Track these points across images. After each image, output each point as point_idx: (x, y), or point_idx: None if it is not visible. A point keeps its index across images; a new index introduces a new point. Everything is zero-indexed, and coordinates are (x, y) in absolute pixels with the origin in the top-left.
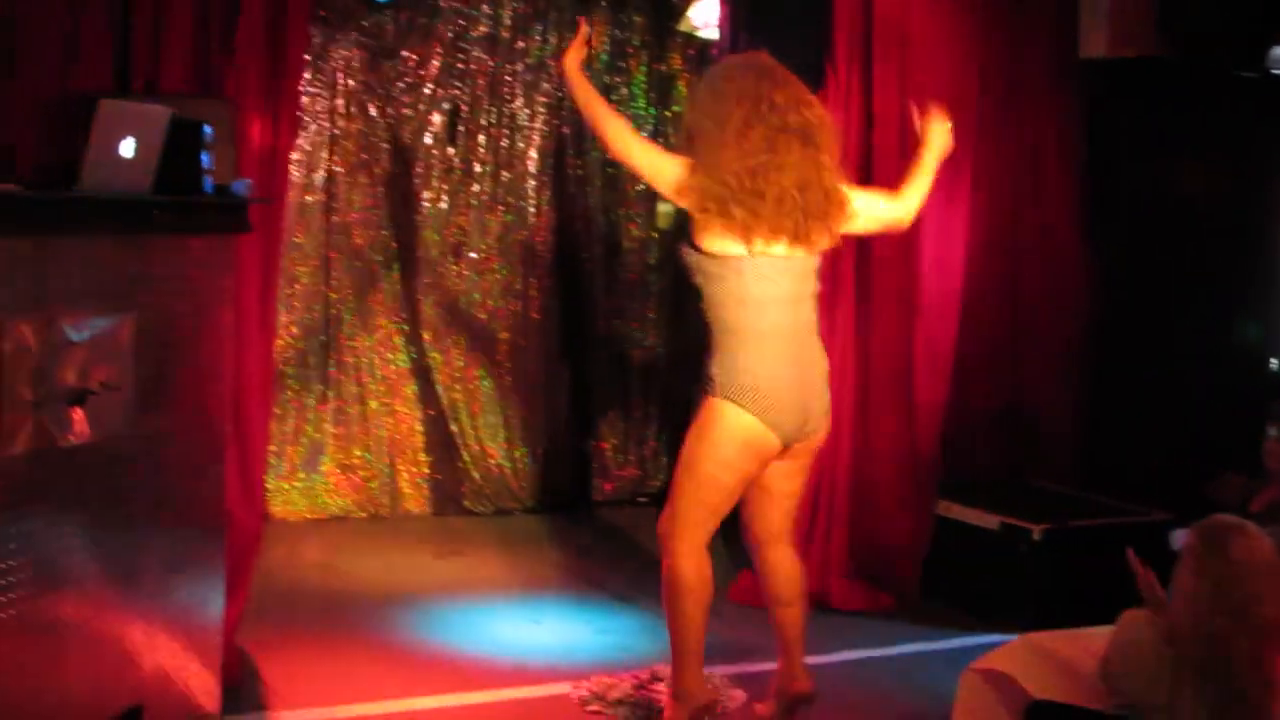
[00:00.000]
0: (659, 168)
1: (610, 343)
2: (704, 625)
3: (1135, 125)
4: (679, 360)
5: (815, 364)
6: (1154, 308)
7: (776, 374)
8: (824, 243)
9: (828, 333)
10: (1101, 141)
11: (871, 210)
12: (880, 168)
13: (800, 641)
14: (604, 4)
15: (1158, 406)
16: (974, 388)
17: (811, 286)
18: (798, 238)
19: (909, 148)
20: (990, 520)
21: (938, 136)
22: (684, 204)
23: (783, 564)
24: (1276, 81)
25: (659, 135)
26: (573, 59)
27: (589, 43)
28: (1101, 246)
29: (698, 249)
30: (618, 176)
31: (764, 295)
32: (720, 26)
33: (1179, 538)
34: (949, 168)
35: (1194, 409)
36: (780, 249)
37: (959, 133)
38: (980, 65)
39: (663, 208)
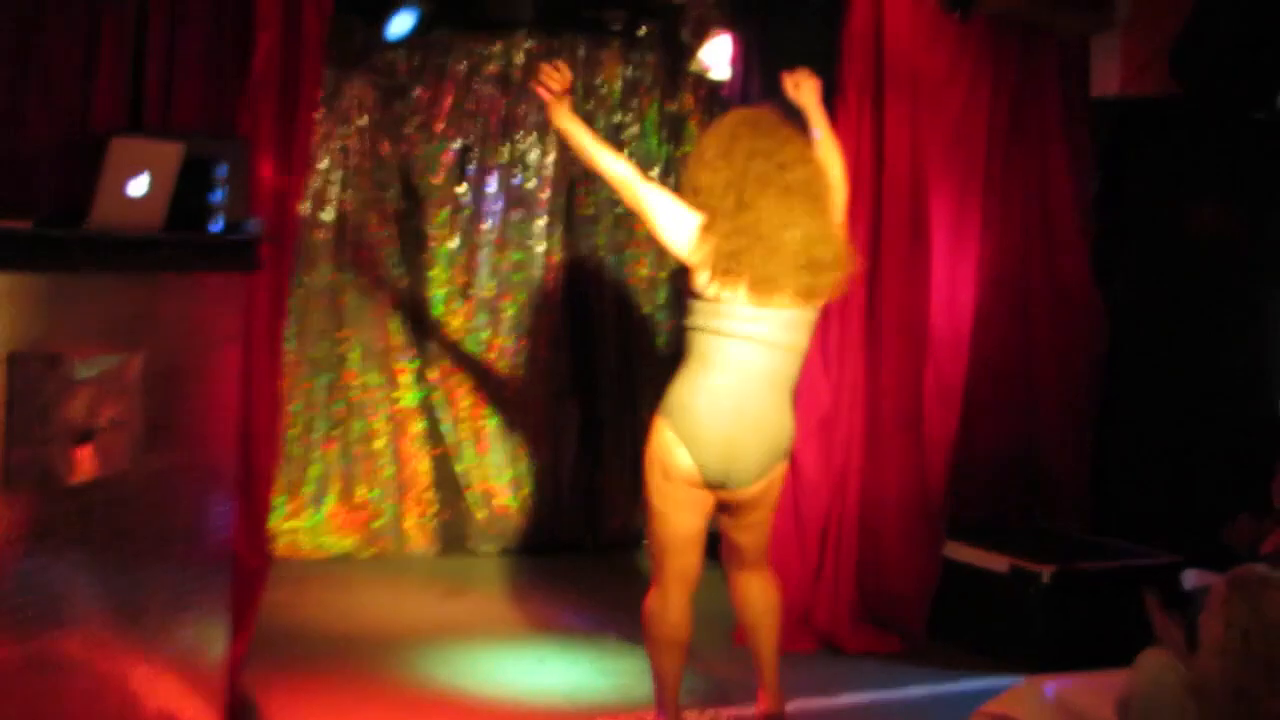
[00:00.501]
0: (670, 222)
1: (619, 382)
2: (676, 666)
3: (1147, 165)
4: None
5: (766, 416)
6: (1165, 349)
7: (716, 405)
8: (828, 296)
9: (837, 370)
10: (1113, 181)
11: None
12: (890, 204)
13: (771, 664)
14: (616, 44)
15: (1168, 448)
16: (983, 428)
17: (799, 338)
18: (807, 295)
19: (920, 184)
20: (999, 562)
21: (806, 94)
22: (693, 260)
23: (751, 589)
24: None
25: (669, 174)
26: (558, 114)
27: (568, 88)
28: (1113, 287)
29: (696, 294)
30: (627, 216)
31: (742, 331)
32: (732, 65)
33: (1190, 579)
34: (958, 206)
35: (1205, 451)
36: (784, 303)
37: (967, 170)
38: (990, 102)
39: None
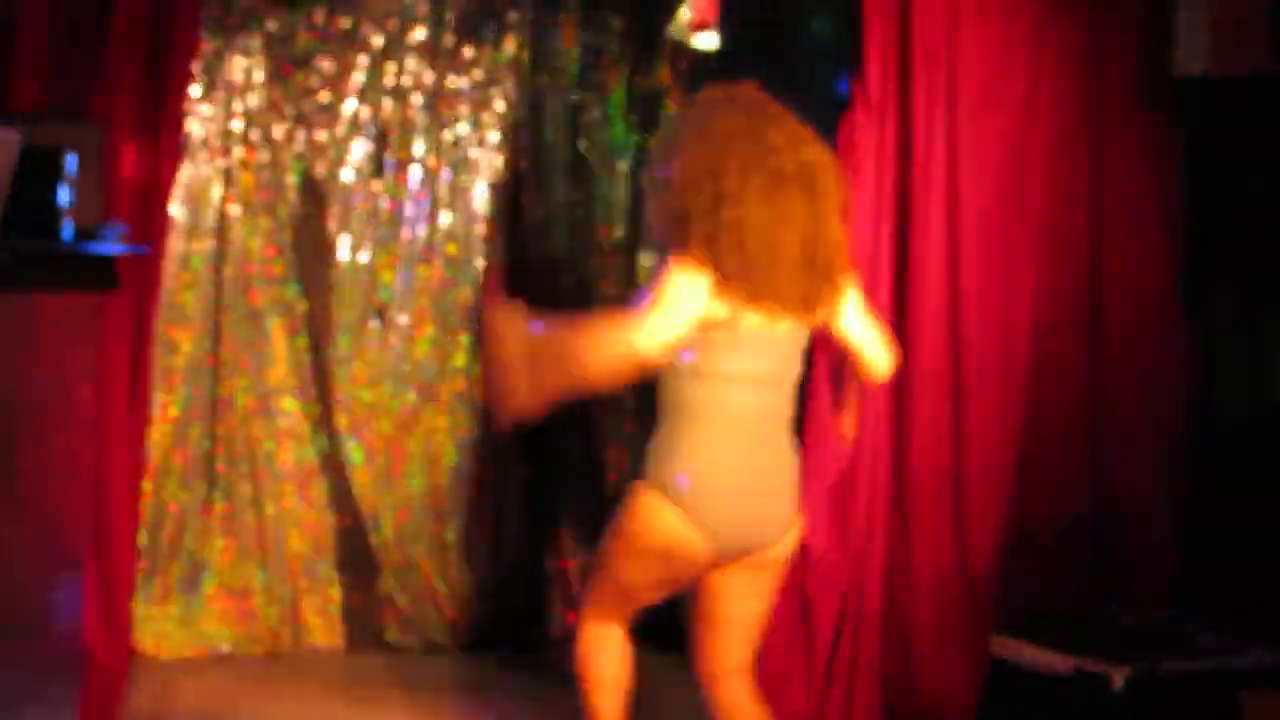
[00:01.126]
0: (689, 306)
1: (577, 435)
2: (619, 712)
3: (1248, 160)
4: None
5: (781, 461)
6: (1274, 390)
7: (725, 466)
8: (826, 311)
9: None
10: (1204, 181)
11: (852, 320)
12: (920, 214)
13: None
14: (573, 4)
15: (1278, 518)
16: (1041, 493)
17: (796, 367)
18: (805, 305)
19: (959, 187)
20: (1061, 662)
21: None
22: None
23: (739, 703)
24: None
25: (640, 165)
26: (511, 351)
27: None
28: (1207, 315)
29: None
30: (588, 222)
31: (735, 371)
32: (720, 31)
33: None
34: (1010, 214)
35: None
36: (781, 319)
37: (1021, 171)
38: (1048, 87)
39: (645, 262)
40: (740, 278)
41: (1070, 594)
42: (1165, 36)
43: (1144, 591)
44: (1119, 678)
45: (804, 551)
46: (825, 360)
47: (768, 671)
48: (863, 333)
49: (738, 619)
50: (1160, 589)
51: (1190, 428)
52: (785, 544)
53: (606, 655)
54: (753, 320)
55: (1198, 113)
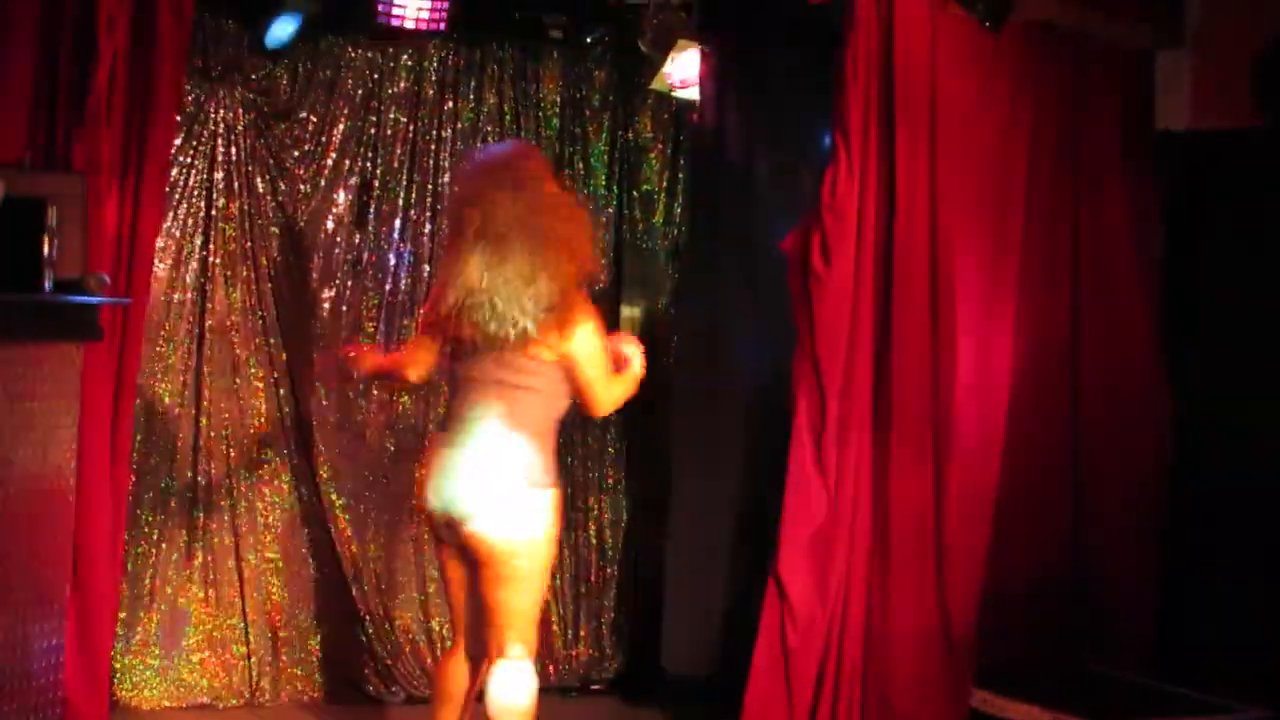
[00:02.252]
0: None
1: (565, 483)
2: None
3: (1227, 213)
4: (646, 508)
5: (497, 446)
6: (1254, 445)
7: (450, 438)
8: (534, 346)
9: (835, 474)
10: (1184, 233)
11: (581, 363)
12: (902, 266)
13: None
14: (557, 56)
15: (1257, 572)
16: (1021, 545)
17: (524, 380)
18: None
19: (940, 240)
20: (1041, 717)
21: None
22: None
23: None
24: None
25: (623, 219)
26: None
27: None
28: (1187, 366)
29: None
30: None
31: (468, 375)
32: (703, 84)
33: None
34: (990, 267)
35: None
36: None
37: (1002, 220)
38: (1030, 138)
39: (627, 313)
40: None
41: (1049, 649)
42: (1149, 90)
43: (1122, 647)
44: None
45: (784, 601)
46: (805, 409)
47: (751, 713)
48: (587, 374)
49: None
50: (1138, 644)
51: (1170, 482)
52: (475, 522)
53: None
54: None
55: (1180, 166)
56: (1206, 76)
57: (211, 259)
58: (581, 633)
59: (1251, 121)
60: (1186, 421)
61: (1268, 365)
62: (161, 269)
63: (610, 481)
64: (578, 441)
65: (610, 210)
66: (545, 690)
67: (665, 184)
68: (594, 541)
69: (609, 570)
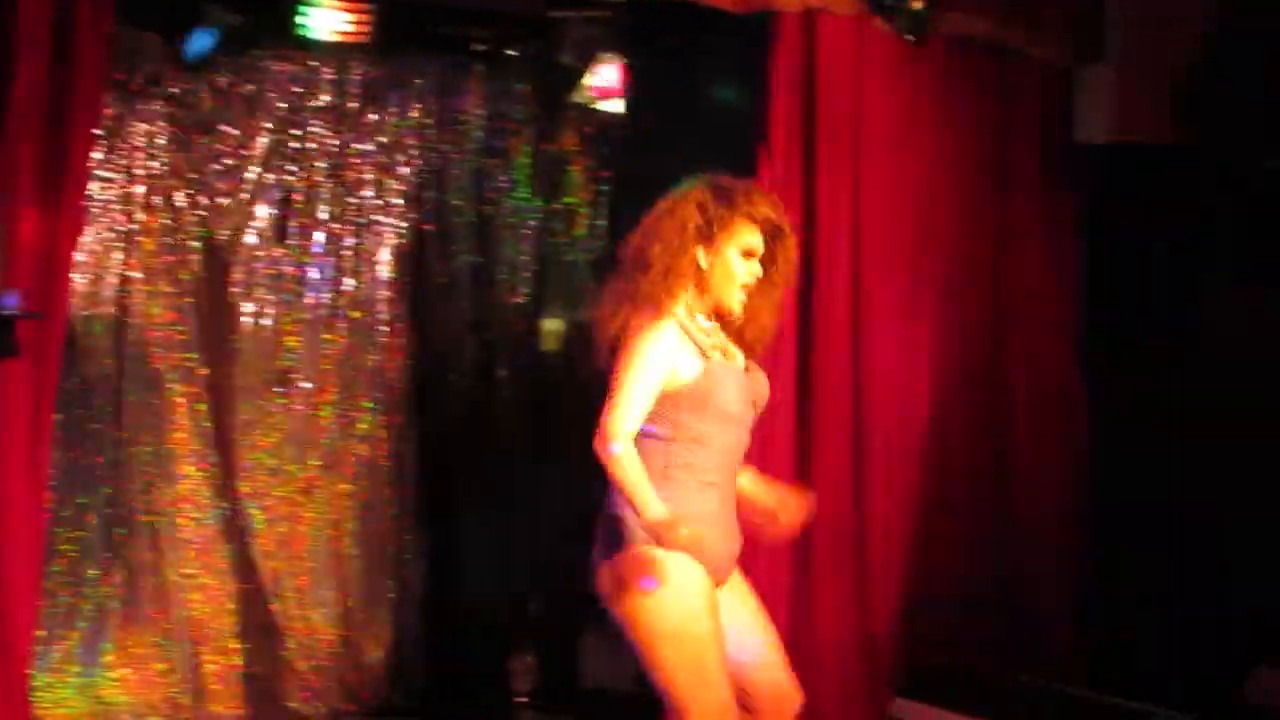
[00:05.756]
0: None
1: (485, 500)
2: None
3: (1145, 229)
4: (579, 520)
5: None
6: (1174, 457)
7: None
8: None
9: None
10: (1105, 247)
11: None
12: (825, 278)
13: None
14: (479, 68)
15: (1178, 582)
16: (944, 555)
17: None
18: None
19: (863, 253)
20: None
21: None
22: None
23: None
24: None
25: (546, 231)
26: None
27: None
28: (1109, 377)
29: None
30: (493, 285)
31: None
32: (626, 98)
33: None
34: (912, 279)
35: (1224, 585)
36: None
37: (925, 233)
38: (953, 150)
39: (549, 326)
40: None
41: (973, 657)
42: (1069, 105)
43: (1047, 655)
44: None
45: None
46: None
47: None
48: None
49: None
50: (1061, 653)
51: (1093, 493)
52: None
53: None
54: None
55: (1100, 180)
56: (1127, 92)
57: (131, 273)
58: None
59: (1171, 137)
60: (1108, 434)
61: (1182, 377)
62: (80, 283)
63: (536, 495)
64: (506, 454)
65: (532, 224)
66: (458, 707)
67: (588, 197)
68: (520, 555)
69: (538, 582)
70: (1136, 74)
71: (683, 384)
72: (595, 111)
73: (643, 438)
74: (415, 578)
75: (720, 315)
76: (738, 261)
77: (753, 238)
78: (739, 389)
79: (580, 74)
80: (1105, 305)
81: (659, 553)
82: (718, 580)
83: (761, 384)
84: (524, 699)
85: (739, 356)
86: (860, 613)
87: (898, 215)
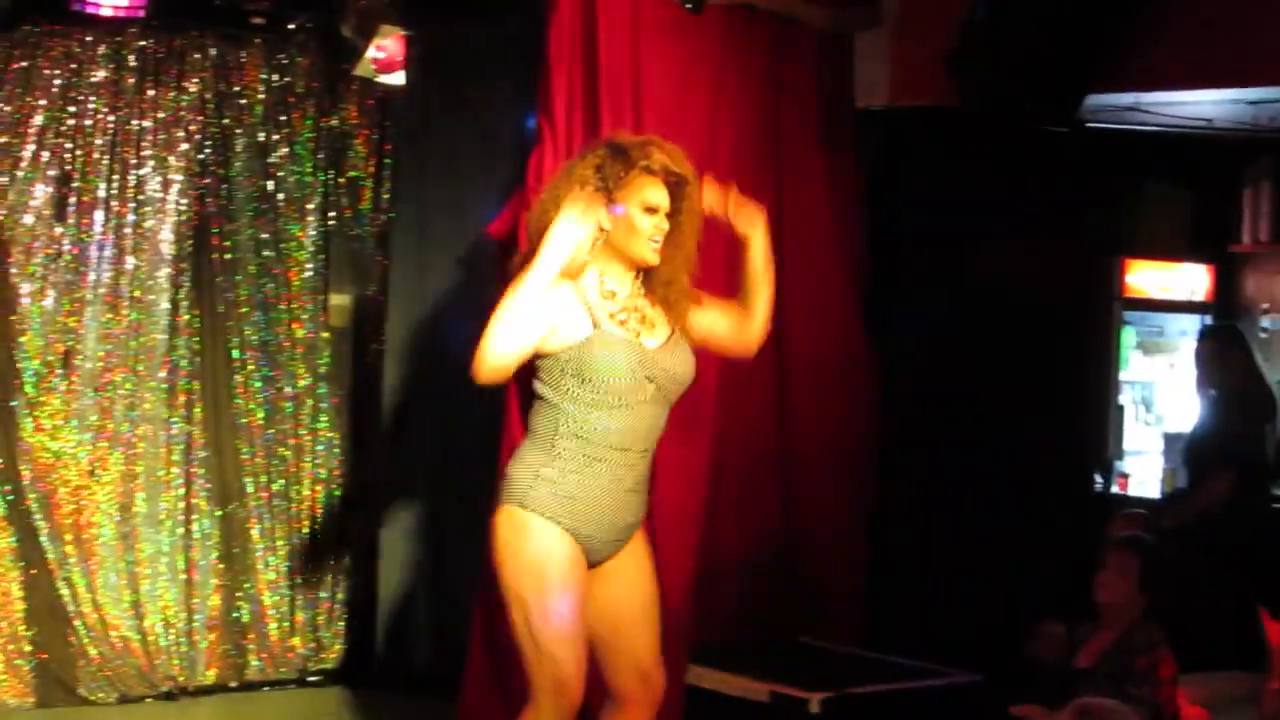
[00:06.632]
0: None
1: (271, 475)
2: None
3: (923, 190)
4: (359, 494)
5: None
6: (955, 421)
7: None
8: None
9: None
10: (884, 210)
11: None
12: None
13: None
14: (258, 43)
15: (960, 544)
16: (733, 527)
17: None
18: None
19: None
20: (757, 690)
21: (755, 231)
22: None
23: None
24: (1096, 136)
25: (329, 207)
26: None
27: None
28: (890, 341)
29: None
30: (277, 261)
31: None
32: (406, 69)
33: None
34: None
35: (1004, 546)
36: None
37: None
38: (734, 118)
39: (335, 301)
40: None
41: (764, 625)
42: (849, 71)
43: (834, 620)
44: (815, 702)
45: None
46: (517, 391)
47: (467, 707)
48: None
49: None
50: (849, 619)
51: (876, 459)
52: None
53: None
54: None
55: (880, 143)
56: (904, 57)
57: None
58: (296, 623)
59: (946, 99)
60: (896, 397)
61: (967, 338)
62: None
63: (324, 471)
64: (289, 431)
65: (316, 198)
66: (260, 685)
67: (372, 170)
68: (307, 532)
69: (324, 559)
70: (911, 39)
71: (563, 345)
72: (377, 84)
73: (538, 400)
74: (205, 558)
75: (648, 280)
76: (640, 217)
77: (654, 192)
78: (630, 362)
79: (362, 46)
80: (887, 269)
81: (526, 516)
82: (595, 557)
83: (675, 361)
84: (317, 678)
85: (661, 328)
86: None
87: None
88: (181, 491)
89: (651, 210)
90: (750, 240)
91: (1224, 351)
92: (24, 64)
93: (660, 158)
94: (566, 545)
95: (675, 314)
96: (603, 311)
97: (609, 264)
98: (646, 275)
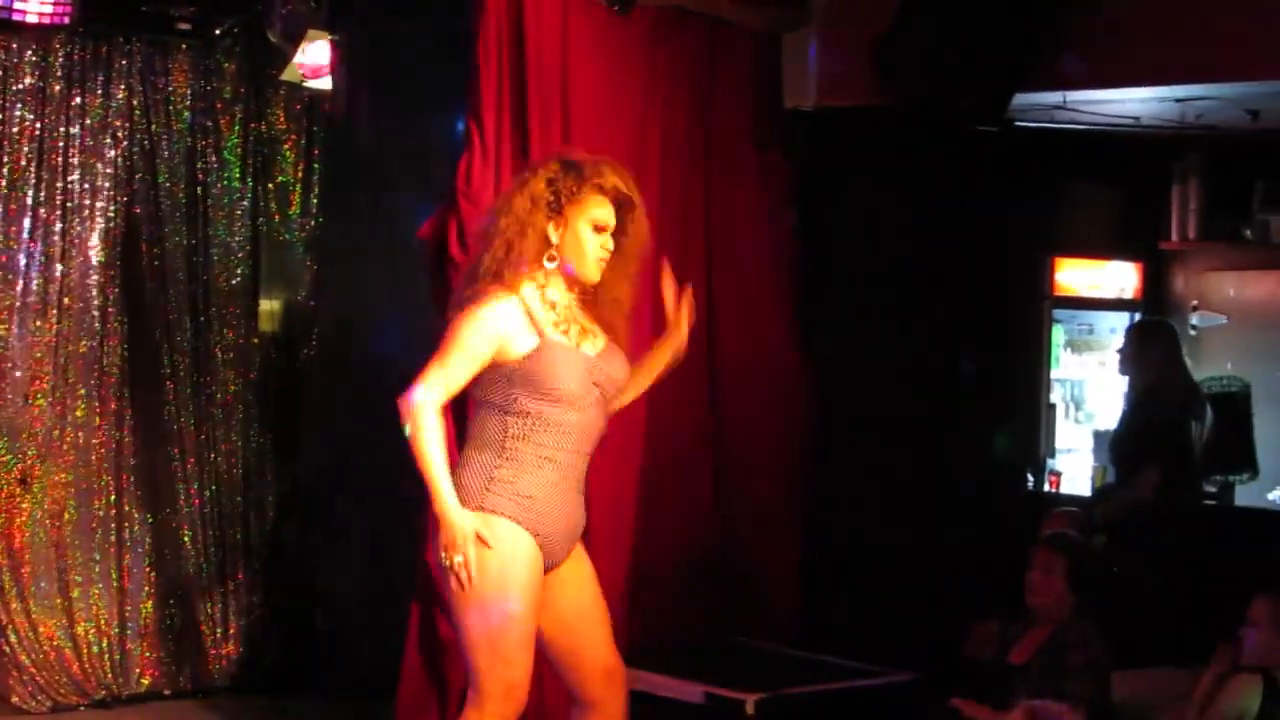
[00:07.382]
0: None
1: (203, 482)
2: None
3: (857, 189)
4: (292, 500)
5: None
6: (887, 419)
7: None
8: None
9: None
10: (817, 210)
11: None
12: None
13: None
14: (185, 48)
15: (895, 544)
16: (667, 529)
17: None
18: None
19: None
20: (692, 691)
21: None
22: None
23: None
24: (1024, 135)
25: (258, 214)
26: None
27: None
28: (821, 341)
29: None
30: (207, 267)
31: None
32: (334, 74)
33: None
34: None
35: (938, 546)
36: None
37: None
38: (663, 120)
39: (266, 306)
40: None
41: (698, 626)
42: (777, 72)
43: (769, 621)
44: (750, 703)
45: (435, 590)
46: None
47: (404, 706)
48: None
49: None
50: (784, 619)
51: (809, 458)
52: None
53: None
54: None
55: (808, 144)
56: (831, 57)
57: None
58: (231, 630)
59: (874, 99)
60: (828, 397)
61: (899, 338)
62: None
63: (256, 477)
64: (221, 437)
65: (245, 204)
66: (195, 692)
67: (300, 175)
68: (239, 538)
69: (258, 565)
70: (838, 39)
71: (515, 359)
72: (305, 89)
73: (482, 406)
74: (138, 565)
75: (585, 293)
76: (588, 234)
77: (601, 210)
78: (577, 370)
79: (289, 51)
80: (818, 269)
81: (492, 519)
82: (552, 557)
83: (614, 366)
84: (253, 684)
85: (598, 337)
86: None
87: None
88: (113, 499)
89: (600, 228)
90: (671, 336)
91: (1142, 346)
92: None
93: (612, 178)
94: (530, 548)
95: (615, 334)
96: (546, 321)
97: (551, 277)
98: (594, 292)
